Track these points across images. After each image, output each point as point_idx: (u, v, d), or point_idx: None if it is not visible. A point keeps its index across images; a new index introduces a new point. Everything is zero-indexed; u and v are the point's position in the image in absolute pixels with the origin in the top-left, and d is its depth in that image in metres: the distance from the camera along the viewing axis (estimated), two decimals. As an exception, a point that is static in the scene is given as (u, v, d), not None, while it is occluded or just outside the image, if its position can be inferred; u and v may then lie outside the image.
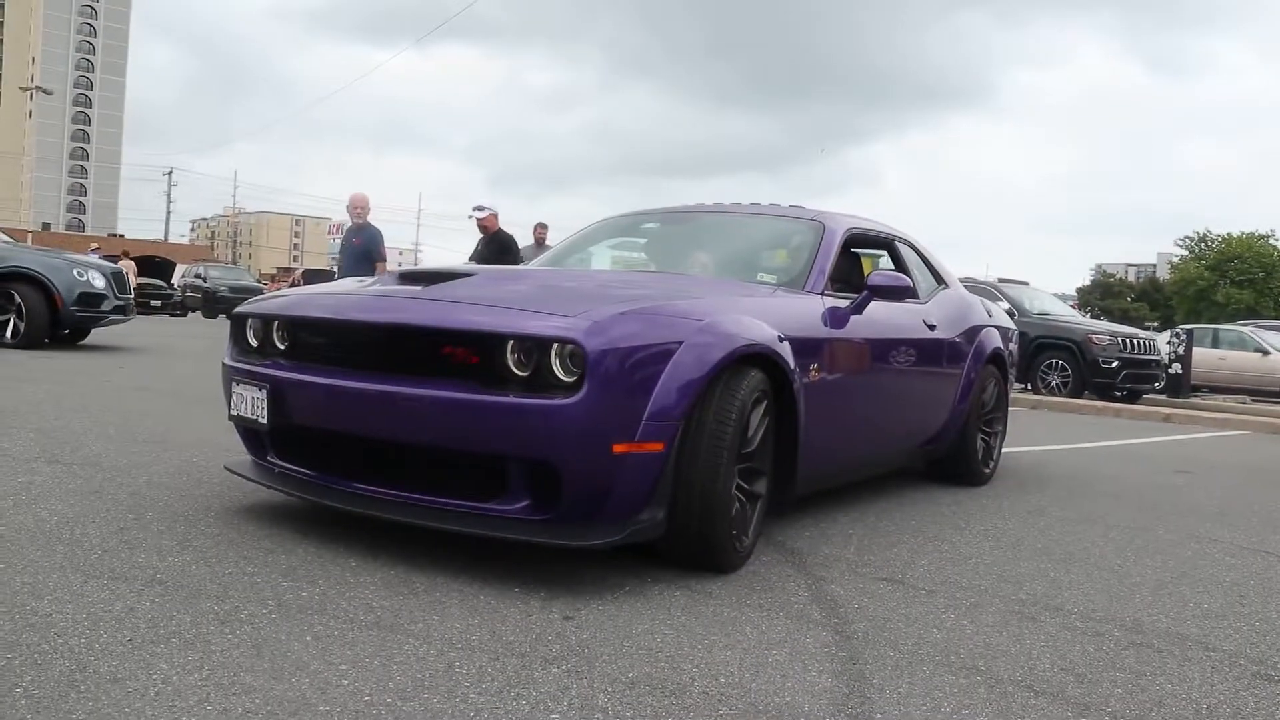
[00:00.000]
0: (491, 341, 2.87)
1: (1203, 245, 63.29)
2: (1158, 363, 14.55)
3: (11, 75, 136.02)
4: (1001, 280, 16.46)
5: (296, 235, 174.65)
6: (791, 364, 3.40)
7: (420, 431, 2.90)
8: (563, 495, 2.83)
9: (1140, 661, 2.59)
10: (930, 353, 4.87)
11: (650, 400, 2.86)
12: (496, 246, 8.61)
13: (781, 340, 3.39)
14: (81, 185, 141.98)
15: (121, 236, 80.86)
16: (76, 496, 3.51)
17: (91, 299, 10.21)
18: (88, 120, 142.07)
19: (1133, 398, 14.19)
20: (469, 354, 2.90)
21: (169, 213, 79.53)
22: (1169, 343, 15.87)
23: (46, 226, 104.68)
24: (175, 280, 29.68)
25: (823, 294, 4.07)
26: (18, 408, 5.58)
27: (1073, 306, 18.56)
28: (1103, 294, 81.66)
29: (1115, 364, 13.46)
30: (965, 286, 5.99)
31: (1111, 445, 8.39)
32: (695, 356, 2.96)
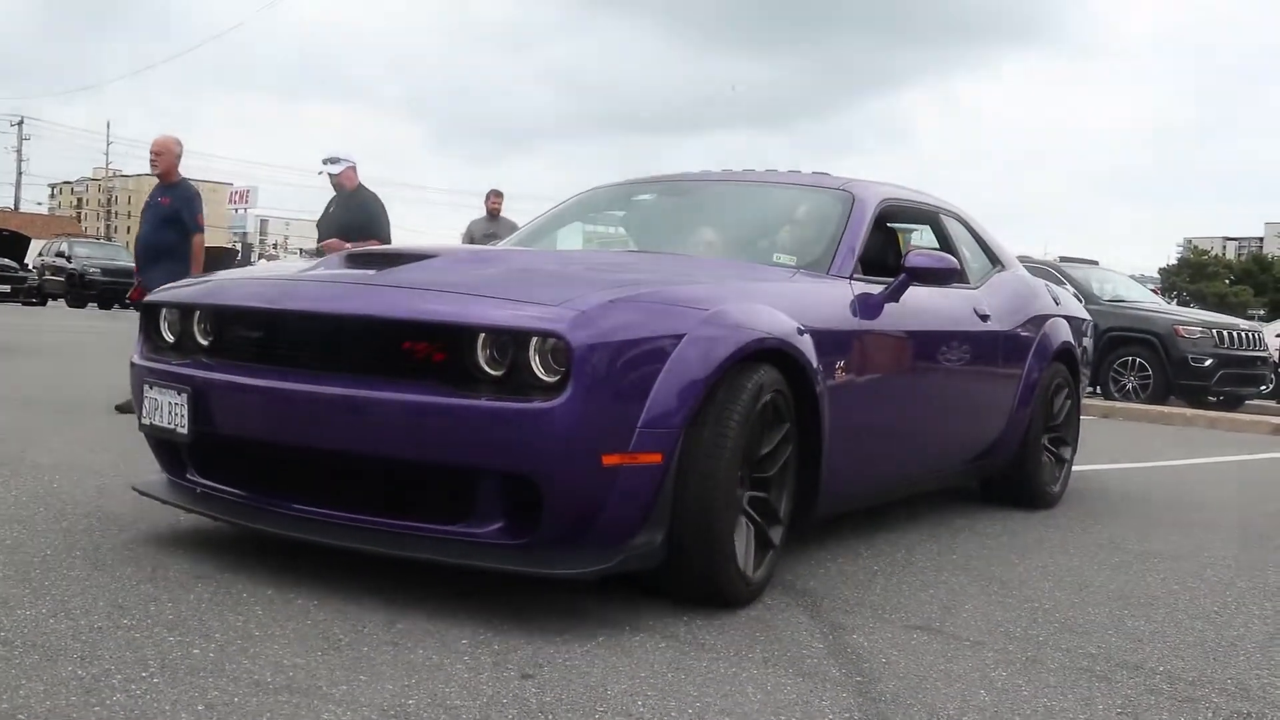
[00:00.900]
0: (459, 335, 2.93)
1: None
2: (1264, 360, 14.63)
3: None
4: (1064, 259, 16.57)
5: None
6: (814, 361, 3.49)
7: (375, 442, 2.98)
8: (544, 516, 2.89)
9: (1236, 728, 2.61)
10: (983, 348, 4.94)
11: (647, 404, 2.94)
12: (356, 210, 7.73)
13: (802, 333, 3.47)
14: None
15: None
16: (-94, 531, 3.49)
17: None
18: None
19: (1232, 404, 14.30)
20: (432, 350, 2.96)
21: (20, 174, 78.73)
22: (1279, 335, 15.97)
23: None
24: (30, 260, 29.47)
25: (851, 278, 4.15)
26: None
27: (1154, 291, 18.66)
28: (1193, 275, 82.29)
29: (1209, 362, 13.55)
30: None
31: (1205, 463, 8.47)
32: (700, 352, 3.04)
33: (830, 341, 3.68)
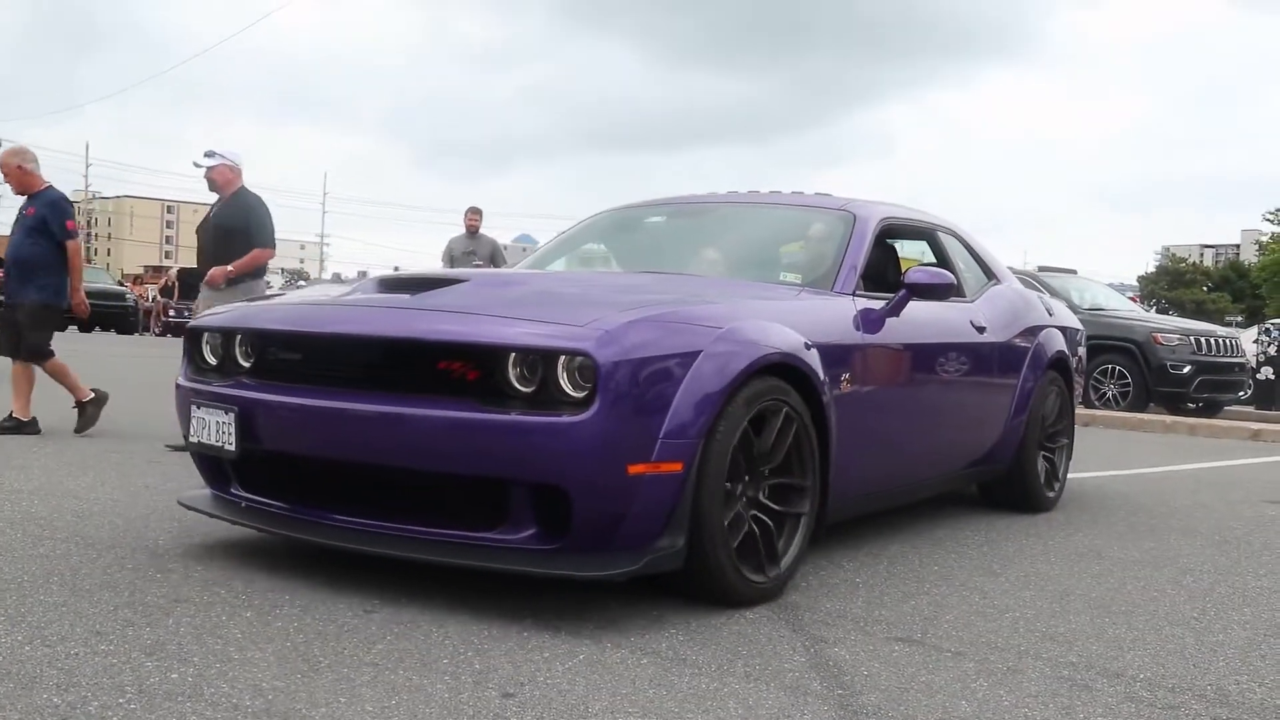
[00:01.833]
0: (493, 355, 3.18)
1: (1302, 220, 63.82)
2: (1242, 366, 14.73)
3: None
4: (1043, 269, 16.64)
5: (169, 225, 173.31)
6: (821, 374, 3.73)
7: (413, 455, 3.21)
8: (574, 522, 3.12)
9: (1216, 734, 2.62)
10: (980, 358, 5.16)
11: (667, 416, 3.17)
12: (235, 214, 7.00)
13: (809, 347, 3.72)
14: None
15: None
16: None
17: None
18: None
19: (1211, 410, 14.39)
20: (466, 369, 3.22)
21: (-3, 197, 78.36)
22: (1257, 341, 16.07)
23: None
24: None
25: (854, 294, 4.38)
26: None
27: (1133, 299, 18.76)
28: (1171, 283, 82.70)
29: (1187, 369, 13.64)
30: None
31: (1184, 470, 8.50)
32: (715, 367, 3.28)
33: (836, 355, 3.92)
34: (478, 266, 11.31)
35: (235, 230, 6.87)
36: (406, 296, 3.61)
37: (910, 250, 6.00)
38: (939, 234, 5.54)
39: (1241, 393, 15.05)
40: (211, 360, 3.85)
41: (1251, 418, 14.20)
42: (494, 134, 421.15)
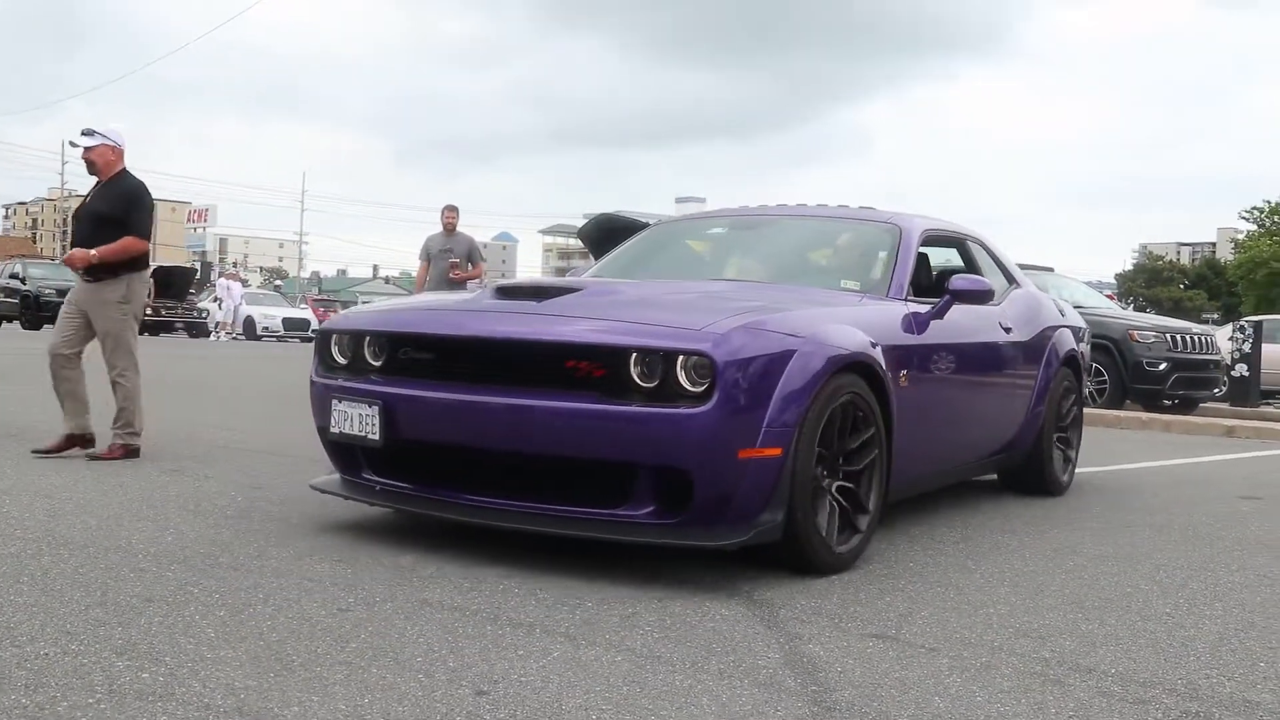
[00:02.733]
0: (616, 355, 3.65)
1: (1275, 218, 64.26)
2: (1217, 364, 14.79)
3: None
4: (1020, 267, 16.62)
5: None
6: (887, 370, 4.21)
7: (545, 442, 3.66)
8: (693, 499, 3.60)
9: (1186, 728, 2.64)
10: (1007, 356, 5.76)
11: (769, 408, 3.64)
12: (114, 199, 6.25)
13: (874, 347, 4.19)
14: None
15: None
16: None
17: None
18: None
19: (1186, 407, 14.46)
20: (593, 366, 3.70)
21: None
22: (1232, 339, 16.11)
23: None
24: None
25: (905, 300, 4.91)
26: None
27: (1109, 297, 18.89)
28: (1148, 280, 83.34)
29: (1163, 366, 13.69)
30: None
31: (1159, 466, 8.56)
32: (803, 365, 3.76)
33: (895, 354, 4.40)
34: (454, 264, 11.33)
35: (114, 218, 6.17)
36: (532, 303, 4.03)
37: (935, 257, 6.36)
38: (968, 243, 6.13)
39: (1216, 390, 15.14)
40: (341, 360, 4.26)
41: (1226, 414, 14.27)
42: (475, 132, 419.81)
